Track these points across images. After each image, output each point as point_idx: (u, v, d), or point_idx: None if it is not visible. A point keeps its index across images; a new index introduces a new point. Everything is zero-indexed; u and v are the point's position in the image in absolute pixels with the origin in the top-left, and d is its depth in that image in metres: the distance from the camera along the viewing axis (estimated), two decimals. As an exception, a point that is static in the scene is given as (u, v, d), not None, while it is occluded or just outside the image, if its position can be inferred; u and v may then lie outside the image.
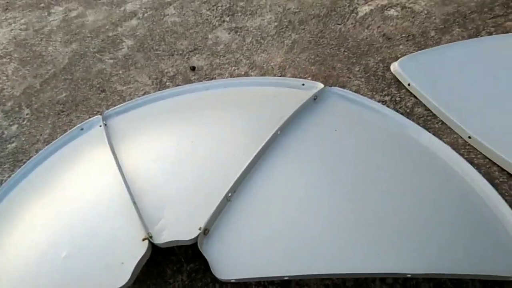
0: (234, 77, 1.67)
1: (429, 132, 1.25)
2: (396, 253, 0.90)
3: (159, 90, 1.69)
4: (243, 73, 1.68)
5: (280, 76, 1.62)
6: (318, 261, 0.89)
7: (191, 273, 1.13)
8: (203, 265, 1.14)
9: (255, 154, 1.09)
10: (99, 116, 1.52)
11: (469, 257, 0.92)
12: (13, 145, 1.66)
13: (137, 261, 0.91)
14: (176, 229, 0.97)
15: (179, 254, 1.18)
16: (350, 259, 0.89)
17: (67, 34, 2.19)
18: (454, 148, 1.20)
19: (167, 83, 1.73)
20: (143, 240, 0.94)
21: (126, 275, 0.89)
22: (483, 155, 1.20)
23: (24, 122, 1.74)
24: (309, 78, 1.57)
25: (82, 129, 1.51)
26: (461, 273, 0.88)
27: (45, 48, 2.13)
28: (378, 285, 1.01)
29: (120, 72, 1.85)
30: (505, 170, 1.16)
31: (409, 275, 0.85)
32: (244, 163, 1.07)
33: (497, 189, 1.10)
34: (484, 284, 0.96)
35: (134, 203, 1.03)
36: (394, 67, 1.50)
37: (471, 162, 1.17)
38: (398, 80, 1.48)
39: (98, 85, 1.81)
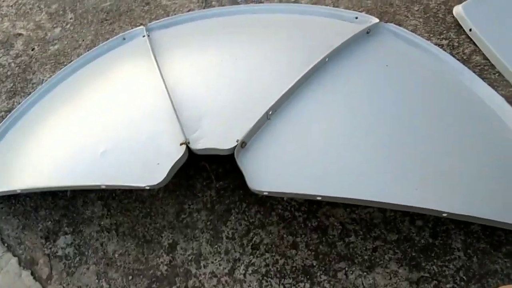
0: (283, 3, 1.59)
1: (485, 82, 1.18)
2: (435, 191, 0.88)
3: (204, 8, 1.64)
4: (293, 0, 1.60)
5: (333, 7, 1.53)
6: (353, 187, 0.88)
7: (220, 190, 1.15)
8: (232, 184, 1.16)
9: (300, 76, 1.05)
10: (142, 27, 1.49)
11: (509, 208, 0.89)
12: (56, 47, 1.67)
13: (173, 163, 0.91)
14: (214, 138, 0.97)
15: (210, 171, 1.19)
16: (387, 189, 0.87)
17: None
18: (509, 102, 1.13)
19: (213, 3, 1.67)
20: (181, 144, 0.95)
21: (161, 175, 0.90)
22: (540, 112, 1.13)
23: (68, 26, 1.73)
24: (364, 12, 1.48)
25: (124, 38, 1.49)
26: (499, 221, 0.85)
27: (92, -45, 2.07)
28: (407, 226, 1.00)
29: (167, -14, 1.79)
30: (560, 130, 1.09)
31: (445, 214, 0.83)
32: (288, 84, 1.04)
33: (547, 148, 1.04)
34: (517, 239, 0.94)
35: (175, 110, 1.03)
36: (458, 10, 1.38)
37: (526, 118, 1.10)
38: (459, 25, 1.38)
39: (143, -3, 1.77)
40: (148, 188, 0.91)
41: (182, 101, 1.07)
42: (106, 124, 1.12)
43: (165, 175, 0.90)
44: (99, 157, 1.02)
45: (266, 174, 0.89)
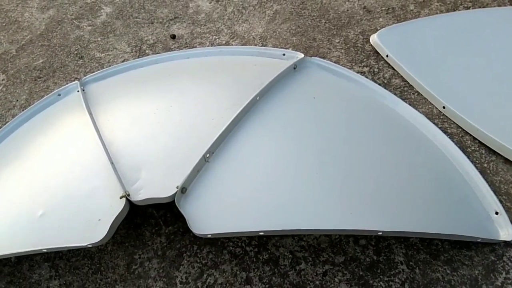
0: (215, 46, 1.66)
1: (406, 102, 1.28)
2: (369, 212, 0.93)
3: (138, 57, 1.67)
4: (224, 42, 1.67)
5: (261, 46, 1.62)
6: (292, 219, 0.91)
7: (170, 235, 1.15)
8: (182, 228, 1.16)
9: (233, 117, 1.10)
10: (76, 82, 1.50)
11: (440, 219, 0.96)
12: (-12, 110, 1.62)
13: (113, 218, 0.91)
14: (154, 187, 0.97)
15: (158, 217, 1.19)
16: (324, 217, 0.91)
17: (43, 0, 2.12)
18: (429, 118, 1.23)
19: (147, 51, 1.71)
20: (121, 197, 0.94)
21: (102, 231, 0.90)
22: (457, 124, 1.24)
23: (0, 87, 1.70)
24: (290, 49, 1.57)
25: (59, 94, 1.48)
26: (431, 232, 0.92)
27: (21, 14, 2.06)
28: (352, 246, 1.04)
29: (99, 39, 1.82)
30: (476, 139, 1.20)
31: (380, 233, 0.88)
32: (223, 125, 1.08)
33: (468, 157, 1.14)
34: (452, 245, 1.01)
35: (112, 163, 1.03)
36: (373, 39, 1.51)
37: (445, 131, 1.21)
38: (377, 52, 1.50)
39: (76, 52, 1.78)
40: (90, 246, 0.89)
41: (120, 153, 1.08)
42: (43, 185, 1.09)
43: (106, 231, 0.89)
44: (37, 220, 1.00)
45: (208, 216, 0.91)
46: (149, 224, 1.18)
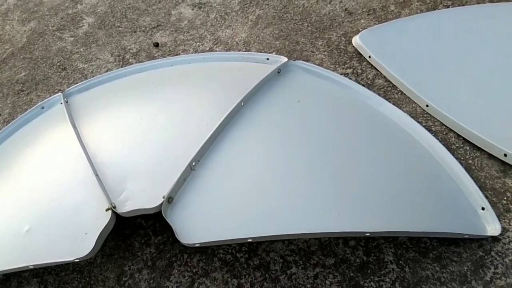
0: (198, 52, 1.66)
1: (389, 102, 1.29)
2: (356, 213, 0.93)
3: (121, 67, 1.66)
4: (207, 48, 1.67)
5: (245, 51, 1.62)
6: (280, 224, 0.91)
7: (159, 245, 1.14)
8: (171, 237, 1.15)
9: (218, 123, 1.10)
10: (60, 94, 1.48)
11: (427, 217, 0.97)
12: (-30, 126, 1.60)
13: (99, 231, 0.90)
14: (140, 198, 0.97)
15: (146, 227, 1.18)
16: (311, 221, 0.91)
17: (24, 12, 2.11)
18: (413, 117, 1.24)
19: (130, 60, 1.70)
20: (106, 210, 0.93)
21: (89, 245, 0.88)
22: (440, 122, 1.25)
23: (-18, 102, 1.67)
24: (274, 53, 1.58)
25: (43, 107, 1.47)
26: (418, 231, 0.93)
27: (2, 27, 2.05)
28: (341, 248, 1.05)
29: (81, 50, 1.80)
30: (460, 136, 1.22)
31: (368, 234, 0.88)
32: (208, 133, 1.07)
33: (453, 154, 1.15)
34: (441, 242, 1.01)
35: (97, 175, 1.02)
36: (356, 40, 1.52)
37: (429, 129, 1.22)
38: (359, 53, 1.51)
39: (58, 64, 1.76)
40: (78, 260, 0.88)
41: (104, 165, 1.07)
42: (28, 200, 1.08)
43: (93, 244, 0.88)
44: (23, 236, 0.98)
45: (195, 226, 0.91)
46: (138, 234, 1.17)
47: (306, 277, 1.01)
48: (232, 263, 1.07)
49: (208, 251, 1.11)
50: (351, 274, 0.99)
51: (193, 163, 1.02)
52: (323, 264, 1.02)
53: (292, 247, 1.07)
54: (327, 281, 0.99)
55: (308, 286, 0.99)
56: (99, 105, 1.36)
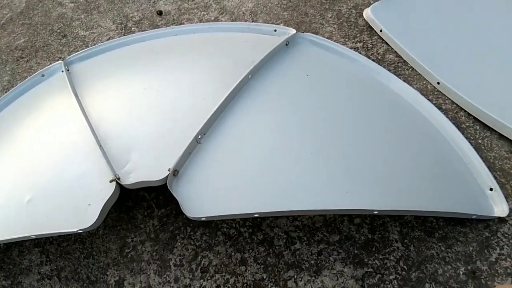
0: (203, 22, 1.61)
1: (400, 78, 1.26)
2: (364, 191, 0.92)
3: (124, 35, 1.62)
4: (213, 18, 1.62)
5: (252, 22, 1.57)
6: (287, 199, 0.90)
7: (162, 218, 1.13)
8: (174, 210, 1.14)
9: (225, 96, 1.07)
10: (60, 62, 1.44)
11: (435, 196, 0.95)
12: (-31, 92, 1.57)
13: (104, 201, 0.89)
14: (145, 170, 0.95)
15: (149, 200, 1.17)
16: (319, 197, 0.90)
17: (22, -25, 2.03)
18: (423, 94, 1.21)
19: (133, 28, 1.65)
20: (110, 181, 0.92)
21: (93, 216, 0.87)
22: (451, 100, 1.22)
23: (-20, 68, 1.63)
24: (282, 24, 1.53)
25: (43, 75, 1.43)
26: (426, 210, 0.91)
27: (-1, -9, 1.97)
28: (346, 225, 1.04)
29: (82, 16, 1.75)
30: (471, 115, 1.19)
31: (375, 212, 0.87)
32: (214, 105, 1.04)
33: (463, 133, 1.13)
34: (447, 222, 1.01)
35: (100, 146, 1.00)
36: (367, 13, 1.47)
37: (439, 108, 1.19)
38: (370, 27, 1.46)
39: (58, 30, 1.71)
40: (81, 231, 0.87)
41: (108, 135, 1.04)
42: (29, 169, 1.06)
43: (97, 216, 0.87)
44: (25, 206, 0.97)
45: (201, 199, 0.89)
46: (141, 207, 1.16)
47: (310, 253, 1.00)
48: (236, 237, 1.07)
49: (212, 225, 1.10)
50: (356, 252, 0.99)
51: (199, 136, 0.99)
52: (328, 240, 1.01)
53: (297, 223, 1.06)
54: (331, 258, 0.99)
55: (312, 262, 0.99)
56: (101, 74, 1.32)
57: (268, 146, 1.00)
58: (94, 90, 1.25)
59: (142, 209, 1.16)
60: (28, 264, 1.12)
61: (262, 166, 0.96)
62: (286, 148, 1.00)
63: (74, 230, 0.86)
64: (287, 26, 1.48)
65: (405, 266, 0.95)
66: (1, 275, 1.11)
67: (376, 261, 0.97)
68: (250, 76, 1.17)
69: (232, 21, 1.60)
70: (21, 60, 1.63)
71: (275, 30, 1.41)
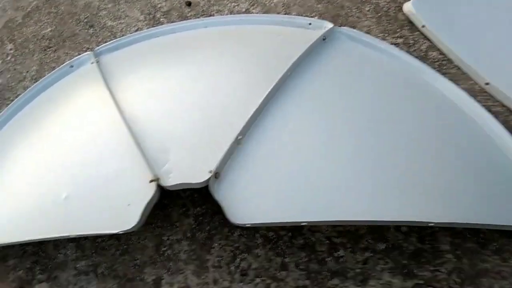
0: (234, 14, 1.56)
1: (445, 77, 1.20)
2: (417, 201, 0.87)
3: (152, 26, 1.57)
4: (243, 10, 1.57)
5: (285, 14, 1.51)
6: (336, 208, 0.85)
7: (198, 217, 1.10)
8: (210, 209, 1.11)
9: (265, 94, 1.02)
10: (89, 52, 1.40)
11: (490, 207, 0.90)
12: (-2, 82, 1.54)
13: (145, 203, 0.85)
14: (185, 171, 0.91)
15: (184, 198, 1.13)
16: (369, 206, 0.85)
17: (48, -38, 1.99)
18: (471, 95, 1.15)
19: (161, 19, 1.60)
20: (150, 182, 0.88)
21: (134, 217, 0.84)
22: (501, 102, 1.16)
23: (8, 58, 1.61)
24: (316, 17, 1.47)
25: (72, 66, 1.39)
26: (483, 223, 0.86)
27: (25, -22, 1.94)
28: (393, 233, 0.99)
29: (109, 6, 1.71)
30: (523, 119, 1.13)
31: (431, 224, 0.82)
32: (254, 105, 1.00)
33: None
34: (502, 234, 0.95)
35: (137, 143, 0.97)
36: (408, 7, 1.41)
37: (489, 110, 1.13)
38: (411, 22, 1.40)
39: (85, 20, 1.67)
40: (121, 233, 0.84)
41: (144, 133, 1.00)
42: (64, 165, 1.03)
43: (138, 217, 0.84)
44: (62, 203, 0.94)
45: (245, 204, 0.85)
46: (176, 204, 1.13)
47: (355, 261, 0.96)
48: (275, 240, 1.03)
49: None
50: (404, 262, 0.94)
51: (240, 137, 0.95)
52: (373, 249, 0.97)
53: (339, 228, 1.02)
54: (377, 267, 0.95)
55: (358, 271, 0.95)
56: (132, 67, 1.28)
57: (313, 150, 0.95)
58: (126, 84, 1.21)
59: (177, 207, 1.12)
60: (63, 259, 1.10)
61: (308, 170, 0.91)
62: (332, 152, 0.95)
63: (116, 231, 0.83)
64: (322, 19, 1.42)
65: (458, 279, 0.91)
66: (38, 268, 1.10)
67: (426, 272, 0.92)
68: (289, 74, 1.12)
69: (264, 13, 1.54)
70: (48, 49, 1.60)
71: (310, 24, 1.35)
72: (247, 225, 0.82)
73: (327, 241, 1.01)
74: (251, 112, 0.99)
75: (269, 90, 1.03)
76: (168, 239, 1.08)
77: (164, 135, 1.00)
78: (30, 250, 1.12)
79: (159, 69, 1.26)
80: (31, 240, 0.92)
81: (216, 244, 1.05)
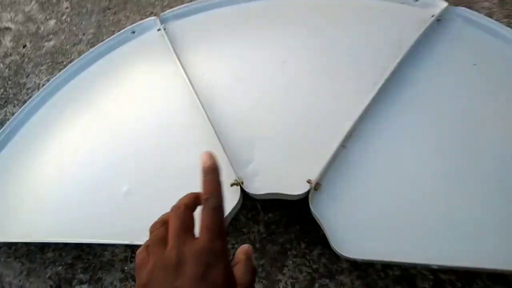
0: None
1: None
2: None
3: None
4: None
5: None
6: (482, 249, 0.64)
7: (270, 225, 0.93)
8: (285, 217, 0.93)
9: (377, 89, 0.81)
10: (154, 17, 1.23)
11: None
12: (51, 43, 1.41)
13: (227, 211, 0.68)
14: (274, 176, 0.72)
15: (253, 199, 0.96)
16: None
17: None
18: None
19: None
20: (232, 185, 0.71)
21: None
22: None
23: (64, 17, 1.47)
24: (423, -7, 1.22)
25: (133, 32, 1.23)
26: None
27: None
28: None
29: (177, -35, 1.52)
30: None
31: None
32: (363, 99, 0.79)
33: None
34: None
35: (216, 133, 0.79)
36: (543, -12, 1.13)
37: None
38: (546, 7, 1.13)
39: (150, -20, 1.50)
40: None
41: (223, 120, 0.83)
42: (125, 149, 0.87)
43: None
44: (121, 199, 0.79)
45: (354, 230, 0.66)
46: (244, 206, 0.96)
47: (470, 307, 0.76)
48: (365, 267, 0.85)
49: (333, 244, 0.88)
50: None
51: (345, 140, 0.75)
52: (493, 293, 0.77)
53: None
54: (500, 319, 0.74)
55: (475, 320, 0.75)
56: (206, 39, 1.10)
57: (443, 166, 0.74)
58: (200, 59, 1.03)
59: (245, 210, 0.95)
60: (110, 258, 0.96)
61: (437, 193, 0.70)
62: (468, 170, 0.73)
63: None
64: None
65: None
66: (79, 266, 0.97)
67: None
68: (399, 61, 0.90)
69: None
70: (108, 11, 1.45)
71: (417, 0, 1.11)
72: (357, 259, 0.63)
73: (432, 277, 0.81)
74: (361, 109, 0.78)
75: (382, 82, 0.81)
76: (233, 247, 0.92)
77: (247, 126, 0.82)
78: (74, 243, 0.99)
79: (238, 44, 1.07)
80: (77, 242, 0.78)
81: (290, 262, 0.88)
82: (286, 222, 0.93)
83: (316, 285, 0.85)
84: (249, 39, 1.03)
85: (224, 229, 0.40)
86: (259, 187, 0.70)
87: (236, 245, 0.92)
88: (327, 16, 1.09)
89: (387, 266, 0.84)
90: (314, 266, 0.87)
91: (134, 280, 0.92)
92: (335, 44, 0.96)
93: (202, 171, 0.45)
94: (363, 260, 0.62)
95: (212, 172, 0.44)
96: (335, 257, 0.87)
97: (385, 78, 0.82)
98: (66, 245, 1.01)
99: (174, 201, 0.75)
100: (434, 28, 1.03)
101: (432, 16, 1.03)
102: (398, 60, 0.85)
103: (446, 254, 0.61)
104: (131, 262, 0.95)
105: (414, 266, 0.62)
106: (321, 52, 0.94)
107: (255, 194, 0.69)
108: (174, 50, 1.04)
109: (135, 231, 0.72)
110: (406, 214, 0.66)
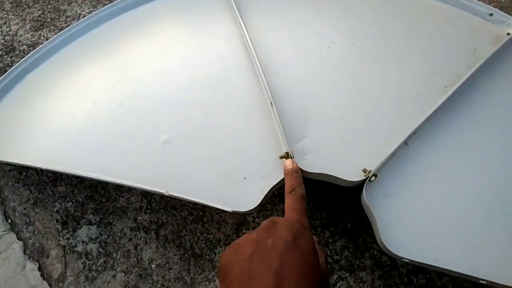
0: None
1: None
2: None
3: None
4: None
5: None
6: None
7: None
8: (313, 203, 0.90)
9: (451, 91, 0.77)
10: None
11: None
12: (101, -26, 1.35)
13: (270, 186, 0.64)
14: (326, 158, 0.68)
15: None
16: None
17: None
18: None
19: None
20: (281, 158, 0.67)
21: (254, 199, 0.64)
22: None
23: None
24: (497, 8, 1.17)
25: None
26: None
27: None
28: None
29: None
30: None
31: None
32: (435, 101, 0.75)
33: None
34: None
35: (271, 101, 0.75)
36: None
37: None
38: None
39: None
40: (230, 211, 0.64)
41: (279, 89, 0.78)
42: (172, 98, 0.83)
43: (259, 200, 0.63)
44: (160, 147, 0.75)
45: (406, 230, 0.62)
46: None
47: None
48: (389, 269, 0.82)
49: (359, 240, 0.85)
50: None
51: (409, 138, 0.71)
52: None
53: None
54: None
55: None
56: (270, 3, 1.05)
57: (508, 180, 0.69)
58: (261, 23, 0.98)
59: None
60: (124, 205, 0.93)
61: (497, 206, 0.66)
62: None
63: (226, 208, 0.63)
64: (503, 11, 1.12)
65: None
66: (91, 206, 0.93)
67: None
68: (476, 74, 0.85)
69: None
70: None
71: (491, 15, 1.06)
72: (404, 260, 0.59)
73: (457, 293, 0.78)
74: (431, 110, 0.74)
75: (456, 87, 0.77)
76: (253, 221, 0.89)
77: (304, 101, 0.77)
78: (88, 182, 0.96)
79: (308, 18, 1.01)
80: (103, 180, 0.73)
81: (313, 247, 0.85)
82: (313, 207, 0.90)
83: (335, 276, 0.82)
84: (320, 13, 0.98)
85: (307, 213, 0.49)
86: (309, 165, 0.66)
87: (256, 219, 0.89)
88: (403, 8, 1.04)
89: (412, 273, 0.81)
90: (336, 257, 0.84)
91: (145, 232, 0.89)
92: (409, 38, 0.91)
93: (288, 171, 0.58)
94: (409, 260, 0.58)
95: (296, 172, 0.57)
96: (359, 253, 0.84)
97: (459, 84, 0.77)
98: (81, 181, 0.97)
99: (212, 159, 0.71)
100: (508, 45, 0.98)
101: (508, 34, 0.98)
102: (474, 68, 0.80)
103: (497, 270, 0.58)
104: (145, 213, 0.91)
105: (457, 276, 0.59)
106: (394, 43, 0.89)
107: (307, 172, 0.65)
108: (238, 9, 0.98)
109: (169, 181, 0.69)
110: (461, 223, 0.62)
